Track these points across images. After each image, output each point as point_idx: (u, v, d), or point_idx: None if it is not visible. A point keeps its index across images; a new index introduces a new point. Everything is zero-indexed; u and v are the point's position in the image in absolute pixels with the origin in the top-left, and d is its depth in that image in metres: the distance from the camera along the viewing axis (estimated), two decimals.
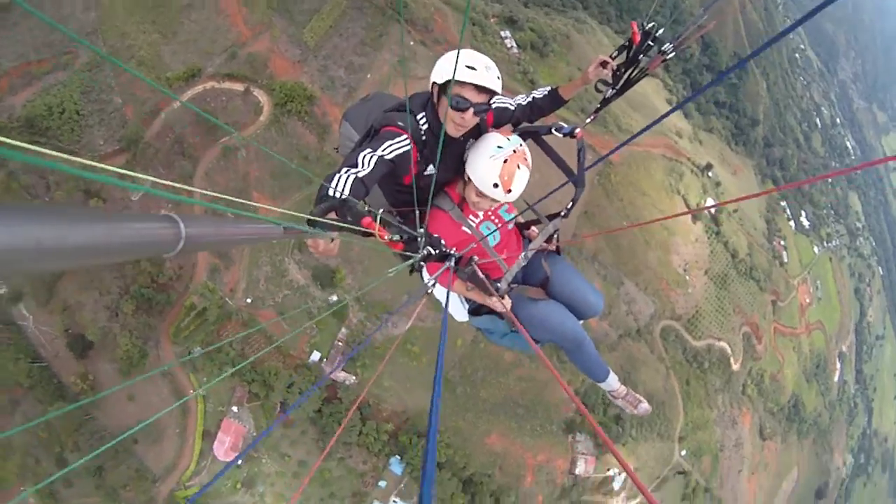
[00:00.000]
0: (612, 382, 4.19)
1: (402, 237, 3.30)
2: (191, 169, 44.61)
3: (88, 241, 0.83)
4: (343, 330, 45.78)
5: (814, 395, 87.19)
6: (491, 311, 4.14)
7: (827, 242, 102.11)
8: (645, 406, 4.31)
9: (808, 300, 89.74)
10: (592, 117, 4.13)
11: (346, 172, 3.03)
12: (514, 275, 3.90)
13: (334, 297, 45.37)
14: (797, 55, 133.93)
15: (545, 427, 52.28)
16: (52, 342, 41.69)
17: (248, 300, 44.23)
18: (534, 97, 3.98)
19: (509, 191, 3.48)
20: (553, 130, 3.92)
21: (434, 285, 3.91)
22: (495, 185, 3.46)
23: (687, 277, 66.29)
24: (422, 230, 3.49)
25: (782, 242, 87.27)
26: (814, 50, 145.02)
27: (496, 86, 3.30)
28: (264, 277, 44.99)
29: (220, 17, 47.39)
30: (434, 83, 3.40)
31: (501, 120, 3.83)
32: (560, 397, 52.96)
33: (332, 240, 2.64)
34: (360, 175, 3.04)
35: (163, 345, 43.01)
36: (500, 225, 4.00)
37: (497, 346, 49.33)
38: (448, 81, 3.29)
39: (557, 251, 4.27)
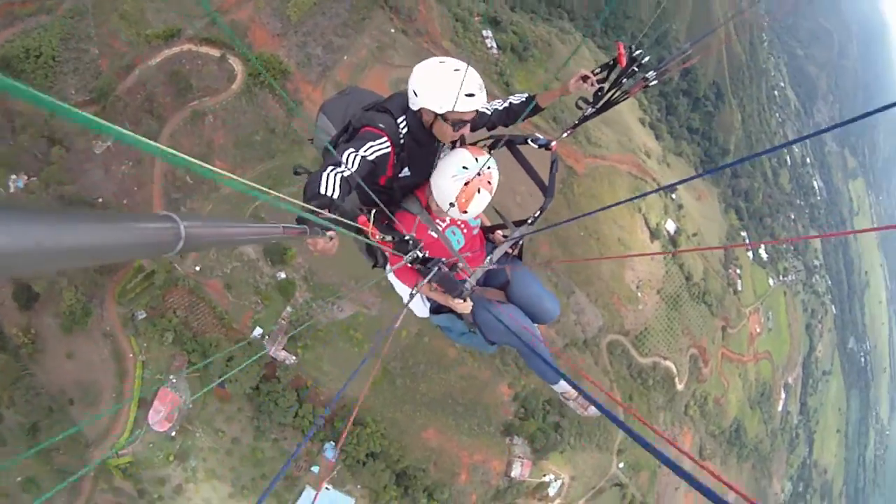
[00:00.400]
0: (564, 386, 4.36)
1: (393, 238, 3.49)
2: (157, 128, 44.31)
3: (88, 241, 0.83)
4: (288, 308, 45.71)
5: (756, 421, 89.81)
6: (451, 311, 4.29)
7: (783, 276, 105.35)
8: (593, 409, 4.42)
9: (758, 330, 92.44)
10: (569, 132, 4.22)
11: (332, 171, 3.10)
12: (477, 278, 4.06)
13: (282, 275, 45.47)
14: (776, 92, 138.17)
15: (483, 427, 52.81)
16: None
17: (197, 268, 44.15)
18: (511, 103, 4.09)
19: (465, 211, 3.64)
20: (529, 141, 4.10)
21: (414, 294, 4.13)
22: (451, 205, 3.61)
23: (639, 294, 67.83)
24: (413, 234, 3.72)
25: (738, 271, 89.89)
26: (794, 89, 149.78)
27: (486, 100, 3.49)
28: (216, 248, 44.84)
29: None
30: (425, 109, 3.45)
31: (478, 124, 3.93)
32: (499, 400, 53.65)
33: (331, 239, 2.66)
34: (345, 174, 3.14)
35: (107, 304, 42.48)
36: (465, 230, 4.15)
37: (441, 342, 50.00)
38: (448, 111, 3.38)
39: (519, 256, 4.45)
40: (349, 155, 3.26)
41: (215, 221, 1.34)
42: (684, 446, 73.37)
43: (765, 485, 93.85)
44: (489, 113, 4.02)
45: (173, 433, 42.67)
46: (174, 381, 42.90)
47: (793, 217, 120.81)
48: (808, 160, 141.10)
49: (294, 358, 45.86)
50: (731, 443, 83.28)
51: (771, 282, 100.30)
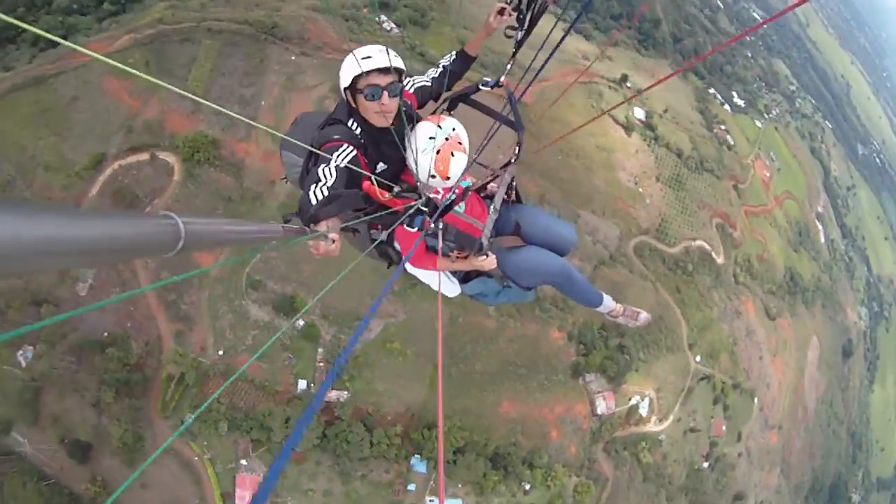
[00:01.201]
0: (609, 303, 4.44)
1: (401, 188, 3.72)
2: None
3: (87, 241, 0.83)
4: (320, 350, 45.48)
5: (806, 262, 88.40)
6: (480, 274, 4.33)
7: (767, 114, 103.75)
8: (645, 315, 4.54)
9: (767, 174, 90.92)
10: (511, 62, 4.24)
11: (316, 187, 3.12)
12: (490, 230, 3.98)
13: (301, 322, 45.18)
14: None
15: (552, 378, 51.96)
16: (53, 457, 42.06)
17: (220, 352, 44.34)
18: (444, 66, 4.16)
19: (447, 178, 3.67)
20: (480, 87, 4.14)
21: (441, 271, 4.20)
22: (433, 176, 3.66)
23: (640, 190, 66.55)
24: (419, 183, 3.82)
25: (723, 127, 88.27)
26: None
27: (396, 62, 3.50)
28: (229, 326, 45.15)
29: (106, 99, 47.75)
30: (345, 90, 3.60)
31: (425, 98, 4.05)
32: (555, 346, 52.84)
33: (333, 241, 2.65)
34: (328, 185, 3.14)
35: (155, 423, 43.11)
36: (459, 193, 4.08)
37: (476, 317, 49.15)
38: (354, 80, 3.49)
39: (518, 199, 4.49)
40: (322, 170, 3.29)
41: (215, 221, 1.34)
42: (749, 315, 72.34)
43: (841, 319, 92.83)
44: (429, 84, 4.10)
45: None
46: (246, 464, 43.46)
47: (750, 54, 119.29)
48: None
49: (346, 393, 45.78)
50: (792, 293, 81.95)
51: (758, 124, 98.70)
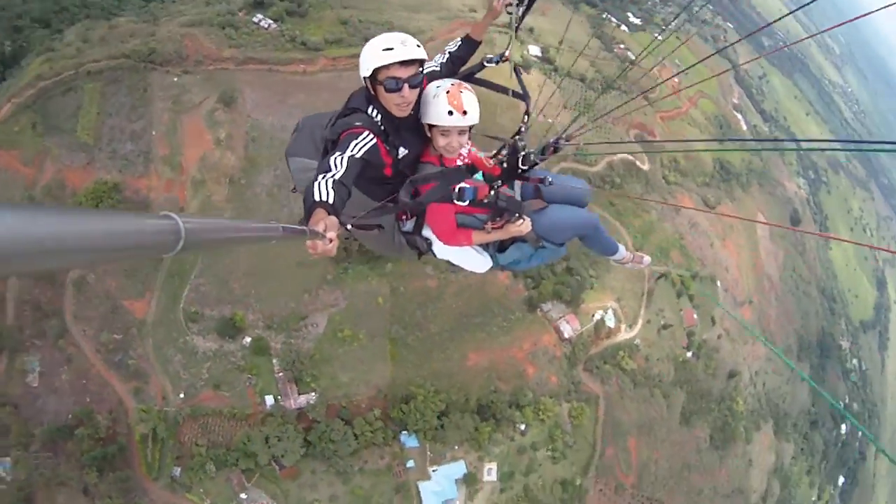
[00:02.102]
0: (622, 252, 4.80)
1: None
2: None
3: (87, 241, 0.83)
4: (274, 361, 45.64)
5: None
6: (514, 241, 4.51)
7: (666, 26, 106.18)
8: (647, 258, 4.92)
9: (676, 80, 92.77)
10: (514, 37, 4.34)
11: (323, 178, 3.09)
12: (519, 196, 4.32)
13: (248, 339, 45.22)
14: None
15: (510, 318, 53.27)
16: None
17: (181, 395, 44.09)
18: (450, 53, 4.37)
19: (465, 112, 3.74)
20: (485, 64, 4.37)
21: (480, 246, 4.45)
22: (450, 113, 3.71)
23: (550, 121, 67.48)
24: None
25: (623, 46, 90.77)
26: None
27: (419, 54, 3.57)
28: (181, 366, 44.94)
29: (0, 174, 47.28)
30: (364, 79, 3.66)
31: (417, 85, 4.03)
32: (503, 287, 54.14)
33: (330, 241, 2.61)
34: (336, 177, 3.12)
35: (147, 487, 42.42)
36: (481, 166, 4.37)
37: (416, 282, 49.91)
38: (375, 71, 3.54)
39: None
40: (335, 159, 3.29)
41: (215, 221, 1.36)
42: (688, 210, 74.58)
43: (781, 192, 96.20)
44: (439, 69, 4.26)
45: None
46: (246, 497, 42.96)
47: None
48: None
49: (314, 394, 45.79)
50: (726, 180, 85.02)
51: (658, 37, 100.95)
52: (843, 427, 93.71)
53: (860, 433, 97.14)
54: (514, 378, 52.04)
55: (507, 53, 4.36)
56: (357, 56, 3.79)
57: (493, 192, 4.09)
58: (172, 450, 42.54)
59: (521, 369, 52.56)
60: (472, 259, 4.58)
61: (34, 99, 49.90)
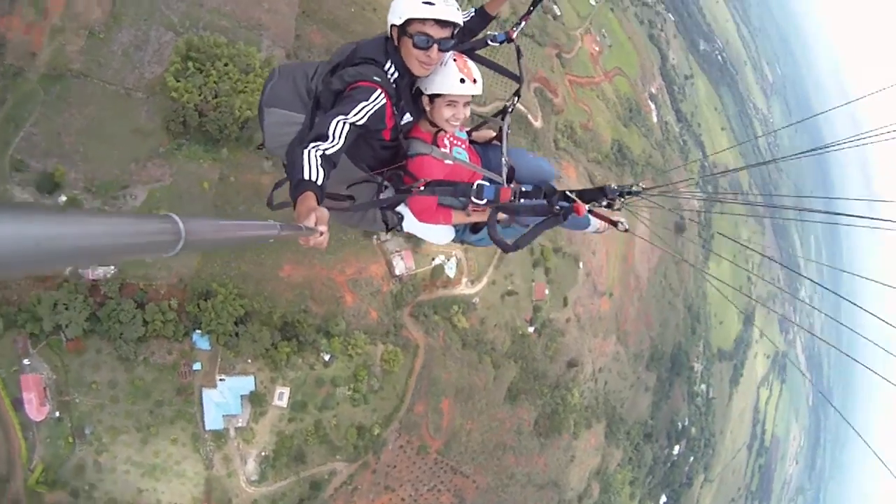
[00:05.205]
0: (595, 223, 5.24)
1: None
2: None
3: (87, 241, 0.89)
4: None
5: (636, 137, 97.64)
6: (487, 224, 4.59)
7: None
8: (624, 222, 4.67)
9: (597, 49, 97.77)
10: (526, 19, 5.05)
11: (314, 149, 3.23)
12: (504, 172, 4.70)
13: (63, 198, 44.02)
14: None
15: (339, 238, 52.24)
16: None
17: None
18: (463, 22, 4.33)
19: (475, 80, 4.17)
20: (489, 42, 4.89)
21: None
22: (462, 81, 4.10)
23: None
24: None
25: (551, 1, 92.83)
26: None
27: (457, 17, 3.84)
28: None
29: None
30: (392, 25, 3.86)
31: (446, 48, 4.12)
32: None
33: (321, 234, 2.72)
34: (329, 152, 3.27)
35: None
36: (463, 146, 4.77)
37: (251, 175, 48.96)
38: (407, 21, 3.76)
39: (499, 140, 5.02)
40: (336, 124, 3.36)
41: (215, 221, 1.50)
42: (570, 180, 78.42)
43: (672, 194, 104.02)
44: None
45: (57, 414, 42.52)
46: (29, 363, 42.76)
47: None
48: None
49: (112, 267, 44.49)
50: (619, 163, 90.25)
51: (592, 2, 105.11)
52: (677, 448, 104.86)
53: (691, 458, 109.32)
54: (329, 302, 51.47)
55: (514, 35, 4.83)
56: None
57: (515, 197, 4.42)
58: None
59: (338, 295, 52.07)
60: (438, 233, 5.00)
61: None
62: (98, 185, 45.53)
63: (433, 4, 3.70)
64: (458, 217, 4.65)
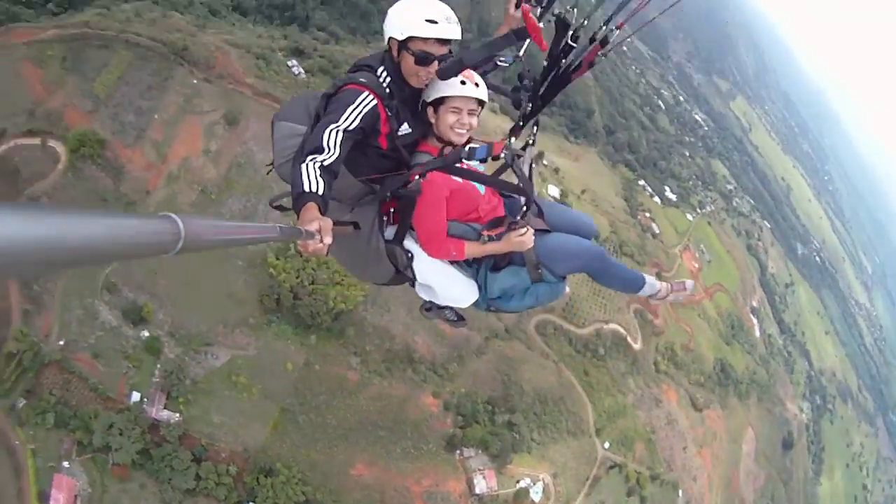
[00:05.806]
0: (653, 284, 4.54)
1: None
2: None
3: (87, 241, 0.92)
4: (158, 366, 47.22)
5: (740, 355, 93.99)
6: (510, 263, 4.32)
7: (700, 209, 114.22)
8: (690, 281, 4.75)
9: (696, 265, 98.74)
10: (541, 14, 4.26)
11: (312, 162, 3.21)
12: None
13: (146, 333, 47.56)
14: (625, 48, 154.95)
15: (420, 447, 52.58)
16: None
17: (62, 342, 45.81)
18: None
19: (476, 84, 3.88)
20: (497, 63, 4.29)
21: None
22: (463, 83, 3.81)
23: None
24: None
25: (648, 215, 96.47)
26: (641, 41, 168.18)
27: (458, 35, 3.67)
28: (76, 320, 46.84)
29: (19, 82, 52.81)
30: (392, 38, 3.70)
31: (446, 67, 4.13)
32: (427, 413, 54.18)
33: (322, 241, 2.72)
34: (326, 163, 3.24)
35: None
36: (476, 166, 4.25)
37: (336, 367, 51.09)
38: (409, 38, 3.61)
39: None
40: (329, 134, 3.39)
41: (214, 222, 1.51)
42: (670, 404, 75.80)
43: (780, 412, 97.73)
44: None
45: None
46: (67, 466, 43.30)
47: (688, 154, 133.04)
48: (680, 98, 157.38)
49: (178, 415, 46.51)
50: (723, 385, 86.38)
51: (689, 217, 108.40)
52: None
53: None
54: None
55: (521, 54, 4.22)
56: None
57: (506, 152, 3.92)
58: (27, 382, 43.72)
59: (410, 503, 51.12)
60: (457, 285, 4.37)
61: (75, 38, 56.53)
62: (182, 334, 48.58)
63: (436, 23, 3.58)
64: (472, 248, 4.11)
